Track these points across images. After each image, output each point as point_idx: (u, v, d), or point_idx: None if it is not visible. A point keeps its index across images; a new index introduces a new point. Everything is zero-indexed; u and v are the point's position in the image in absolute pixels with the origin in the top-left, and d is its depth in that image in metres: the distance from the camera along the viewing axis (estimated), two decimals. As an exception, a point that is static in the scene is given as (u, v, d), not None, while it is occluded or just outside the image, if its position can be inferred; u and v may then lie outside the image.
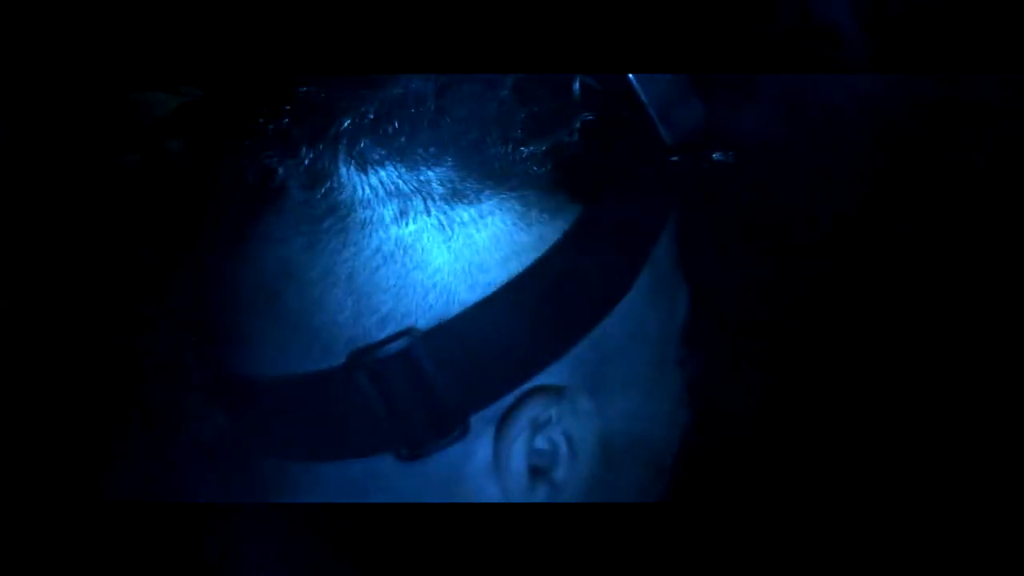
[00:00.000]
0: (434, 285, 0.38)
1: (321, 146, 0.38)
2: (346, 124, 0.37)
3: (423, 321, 0.37)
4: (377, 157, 0.37)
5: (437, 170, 0.38)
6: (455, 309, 0.38)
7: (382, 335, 0.37)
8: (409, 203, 0.37)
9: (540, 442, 0.39)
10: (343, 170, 0.38)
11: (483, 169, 0.38)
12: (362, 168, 0.38)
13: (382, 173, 0.37)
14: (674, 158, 0.41)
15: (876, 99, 0.72)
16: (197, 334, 0.43)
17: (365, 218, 0.37)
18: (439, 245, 0.38)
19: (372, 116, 0.37)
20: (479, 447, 0.39)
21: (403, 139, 0.37)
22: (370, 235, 0.37)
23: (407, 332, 0.37)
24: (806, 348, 0.76)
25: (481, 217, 0.38)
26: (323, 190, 0.38)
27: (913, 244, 0.75)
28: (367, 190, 0.37)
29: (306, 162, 0.38)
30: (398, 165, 0.38)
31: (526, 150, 0.38)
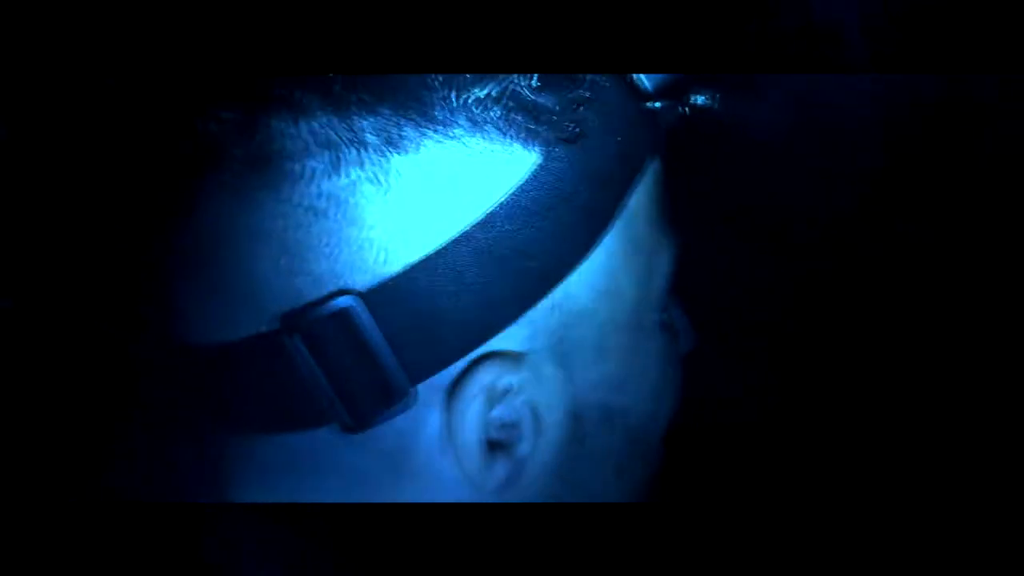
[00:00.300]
0: (371, 242, 0.34)
1: (253, 97, 0.35)
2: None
3: (361, 281, 0.34)
4: (309, 105, 0.34)
5: (373, 119, 0.34)
6: (396, 268, 0.34)
7: (318, 296, 0.34)
8: (342, 154, 0.34)
9: (501, 413, 0.36)
10: (274, 120, 0.34)
11: (423, 116, 0.34)
12: (293, 117, 0.34)
13: (314, 123, 0.34)
14: (652, 104, 0.38)
15: (876, 99, 0.72)
16: (145, 306, 0.40)
17: (296, 171, 0.34)
18: (375, 199, 0.34)
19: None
20: (429, 418, 0.36)
21: (337, 87, 0.34)
22: (301, 190, 0.34)
23: (344, 292, 0.34)
24: (806, 348, 0.76)
25: (421, 169, 0.34)
26: (254, 143, 0.34)
27: (913, 244, 0.75)
28: (298, 141, 0.34)
29: (239, 116, 0.35)
30: (331, 113, 0.34)
31: (472, 94, 0.35)
